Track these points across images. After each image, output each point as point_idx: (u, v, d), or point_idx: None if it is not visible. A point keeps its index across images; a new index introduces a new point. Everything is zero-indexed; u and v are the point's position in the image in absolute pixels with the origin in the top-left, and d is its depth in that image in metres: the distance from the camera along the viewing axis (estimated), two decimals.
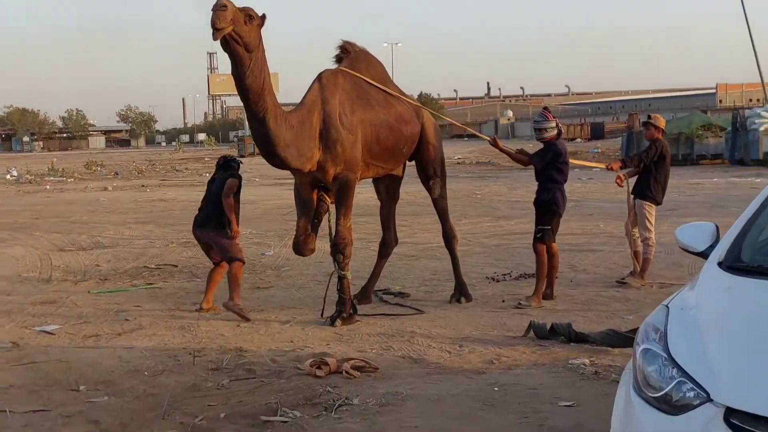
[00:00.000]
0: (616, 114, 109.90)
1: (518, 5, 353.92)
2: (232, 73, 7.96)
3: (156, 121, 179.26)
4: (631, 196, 10.75)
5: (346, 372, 6.76)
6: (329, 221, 9.13)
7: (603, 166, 11.37)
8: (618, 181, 10.62)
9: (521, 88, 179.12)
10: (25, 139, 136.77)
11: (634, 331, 7.79)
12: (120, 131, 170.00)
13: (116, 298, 10.36)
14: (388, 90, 9.56)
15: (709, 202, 20.28)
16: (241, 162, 10.11)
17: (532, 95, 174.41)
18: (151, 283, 11.39)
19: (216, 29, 7.38)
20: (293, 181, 9.28)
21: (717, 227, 4.56)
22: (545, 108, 10.05)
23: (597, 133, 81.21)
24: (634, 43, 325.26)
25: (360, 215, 16.98)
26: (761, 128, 35.92)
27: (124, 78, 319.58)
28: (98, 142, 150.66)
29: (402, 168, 10.19)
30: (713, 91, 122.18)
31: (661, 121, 10.83)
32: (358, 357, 7.26)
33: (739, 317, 3.69)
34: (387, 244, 10.37)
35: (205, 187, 10.14)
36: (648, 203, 10.57)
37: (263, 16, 7.91)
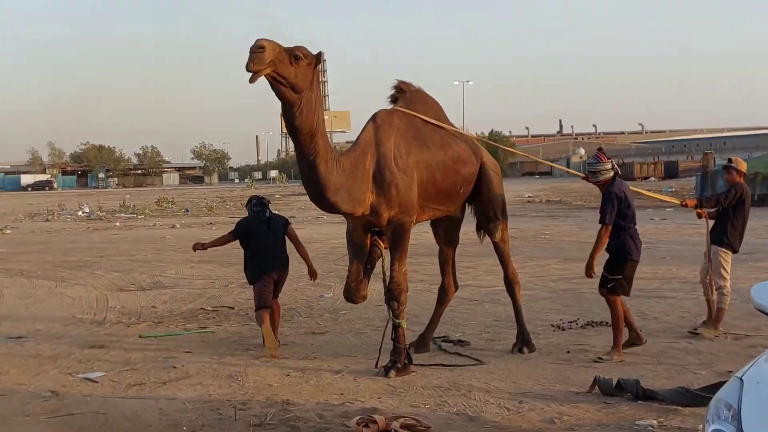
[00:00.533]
0: (690, 153, 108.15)
1: (592, 42, 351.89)
2: (282, 114, 7.71)
3: (229, 158, 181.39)
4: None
5: (395, 431, 6.35)
6: (383, 266, 8.76)
7: (678, 201, 10.79)
8: (700, 211, 10.09)
9: (594, 125, 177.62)
10: (101, 175, 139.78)
11: (706, 389, 7.30)
12: (194, 168, 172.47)
13: (167, 343, 10.12)
14: (444, 126, 9.21)
15: None
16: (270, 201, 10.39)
17: (605, 133, 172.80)
18: (204, 327, 11.14)
19: (250, 72, 7.14)
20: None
21: None
22: (599, 149, 9.53)
23: (671, 171, 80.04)
24: (709, 78, 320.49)
25: (421, 255, 16.64)
26: None
27: (199, 115, 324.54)
28: (172, 178, 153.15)
29: (461, 210, 9.80)
30: None
31: (742, 165, 10.28)
32: (409, 413, 6.85)
33: None
34: (446, 291, 9.96)
35: (244, 229, 10.14)
36: (724, 250, 10.00)
37: (318, 55, 7.64)
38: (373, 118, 8.70)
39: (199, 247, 10.31)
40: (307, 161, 7.83)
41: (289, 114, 7.61)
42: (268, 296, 9.81)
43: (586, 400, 7.31)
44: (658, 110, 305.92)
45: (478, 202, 9.64)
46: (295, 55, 7.44)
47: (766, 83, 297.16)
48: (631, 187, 9.51)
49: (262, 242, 10.03)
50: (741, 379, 3.44)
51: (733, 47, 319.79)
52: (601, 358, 8.82)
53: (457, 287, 10.17)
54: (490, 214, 9.64)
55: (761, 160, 39.92)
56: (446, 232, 9.92)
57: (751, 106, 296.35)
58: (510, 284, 9.80)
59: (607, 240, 9.03)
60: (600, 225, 9.02)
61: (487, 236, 9.86)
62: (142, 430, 6.67)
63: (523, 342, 9.37)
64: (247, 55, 7.14)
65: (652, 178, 76.47)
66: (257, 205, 10.30)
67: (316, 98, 7.74)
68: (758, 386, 3.33)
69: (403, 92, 9.24)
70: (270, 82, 7.39)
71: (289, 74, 7.40)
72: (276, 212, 10.72)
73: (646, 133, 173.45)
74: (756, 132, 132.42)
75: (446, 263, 9.96)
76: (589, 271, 9.10)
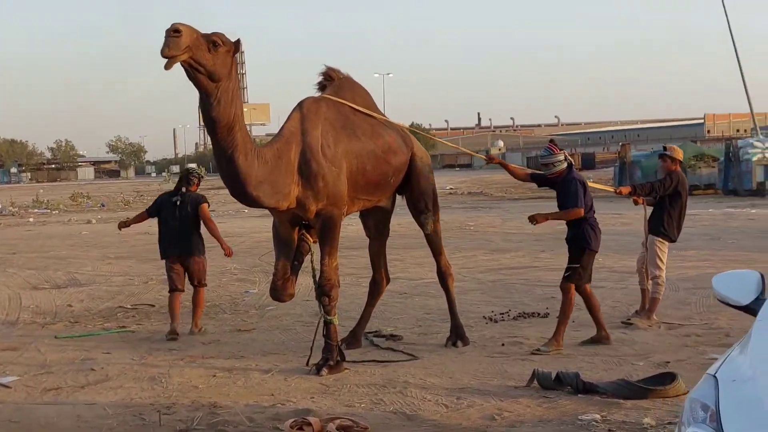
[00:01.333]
0: (606, 144, 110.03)
1: (508, 36, 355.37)
2: (199, 105, 7.30)
3: (146, 151, 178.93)
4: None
5: None
6: (312, 261, 8.42)
7: (612, 189, 10.60)
8: (637, 198, 9.94)
9: (511, 118, 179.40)
10: (13, 170, 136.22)
11: (646, 380, 7.15)
12: (109, 162, 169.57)
13: (84, 344, 9.61)
14: (375, 115, 8.91)
15: (708, 234, 19.66)
16: (203, 176, 10.07)
17: (522, 126, 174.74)
18: (123, 326, 10.65)
19: (166, 57, 6.74)
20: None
21: (762, 277, 3.86)
22: (551, 141, 9.35)
23: (588, 163, 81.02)
24: (622, 73, 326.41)
25: (349, 248, 16.32)
26: (754, 158, 35.47)
27: (114, 109, 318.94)
28: (87, 173, 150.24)
29: (392, 201, 9.50)
30: (701, 121, 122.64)
31: (678, 153, 10.07)
32: (345, 414, 6.54)
33: None
34: (377, 284, 9.63)
35: (157, 206, 10.17)
36: (660, 239, 9.89)
37: (237, 43, 7.25)
38: (299, 106, 8.33)
39: (123, 225, 10.39)
40: (225, 155, 7.44)
41: (206, 104, 7.22)
42: (175, 279, 9.91)
43: (526, 395, 7.10)
44: (573, 103, 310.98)
45: (409, 193, 9.34)
46: (213, 41, 7.05)
47: (677, 76, 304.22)
48: None
49: (169, 221, 9.93)
50: (715, 376, 3.21)
51: (644, 42, 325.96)
52: (539, 350, 8.62)
53: (388, 280, 9.89)
54: (422, 206, 9.33)
55: None
56: (376, 224, 9.60)
57: (663, 99, 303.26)
58: (443, 276, 9.54)
59: (572, 216, 8.82)
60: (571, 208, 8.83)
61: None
62: None
63: (458, 335, 9.12)
64: (162, 39, 6.74)
65: None
66: (180, 180, 10.07)
67: (234, 88, 7.36)
68: (735, 384, 3.10)
69: (331, 79, 8.89)
70: (186, 70, 6.98)
71: (207, 61, 7.01)
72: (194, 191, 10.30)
73: (561, 125, 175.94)
74: (668, 124, 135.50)
75: (377, 256, 9.65)
76: (535, 217, 8.95)
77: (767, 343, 3.31)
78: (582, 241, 8.87)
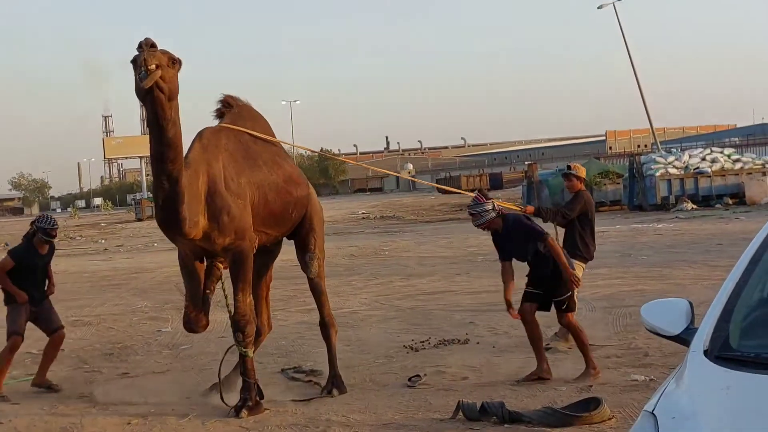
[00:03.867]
0: (512, 164, 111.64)
1: (412, 59, 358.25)
2: (150, 126, 7.03)
3: (50, 187, 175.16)
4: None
5: None
6: (224, 290, 8.17)
7: (518, 209, 10.46)
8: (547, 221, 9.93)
9: (419, 141, 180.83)
10: None
11: (571, 407, 7.11)
12: (12, 199, 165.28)
13: None
14: (274, 141, 8.72)
15: (618, 251, 19.94)
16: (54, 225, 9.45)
17: (430, 148, 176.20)
18: (32, 374, 10.16)
19: (148, 71, 6.53)
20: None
21: (691, 305, 3.81)
22: (479, 190, 9.11)
23: (496, 183, 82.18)
24: (525, 93, 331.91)
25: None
26: (657, 173, 36.34)
27: (15, 144, 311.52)
28: None
29: (278, 243, 9.06)
30: (603, 138, 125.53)
31: (581, 171, 10.15)
32: None
33: (755, 429, 2.93)
34: (259, 332, 8.75)
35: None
36: (577, 262, 9.85)
37: (180, 62, 7.05)
38: (199, 136, 8.06)
39: None
40: (171, 177, 7.16)
41: (161, 125, 6.95)
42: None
43: (452, 427, 7.01)
44: (478, 124, 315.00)
45: (299, 229, 8.86)
46: (172, 58, 6.84)
47: (578, 94, 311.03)
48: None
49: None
50: (653, 414, 3.13)
51: (542, 58, 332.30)
52: (589, 386, 8.05)
53: (271, 328, 9.43)
54: (311, 245, 8.85)
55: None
56: (259, 268, 8.80)
57: (566, 117, 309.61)
58: (326, 327, 8.92)
59: (561, 252, 8.57)
60: (543, 238, 8.49)
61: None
62: None
63: (334, 384, 8.53)
64: (137, 52, 6.55)
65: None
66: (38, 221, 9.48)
67: (177, 107, 7.13)
68: (675, 422, 3.02)
69: (230, 107, 8.65)
70: (152, 88, 6.69)
71: (170, 78, 6.81)
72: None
73: (468, 146, 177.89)
74: (571, 142, 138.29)
75: (259, 301, 8.98)
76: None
77: (704, 376, 3.25)
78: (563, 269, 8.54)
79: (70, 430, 7.61)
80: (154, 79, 6.60)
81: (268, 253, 8.96)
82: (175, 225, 7.46)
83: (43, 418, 8.04)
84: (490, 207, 8.58)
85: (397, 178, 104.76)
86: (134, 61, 6.71)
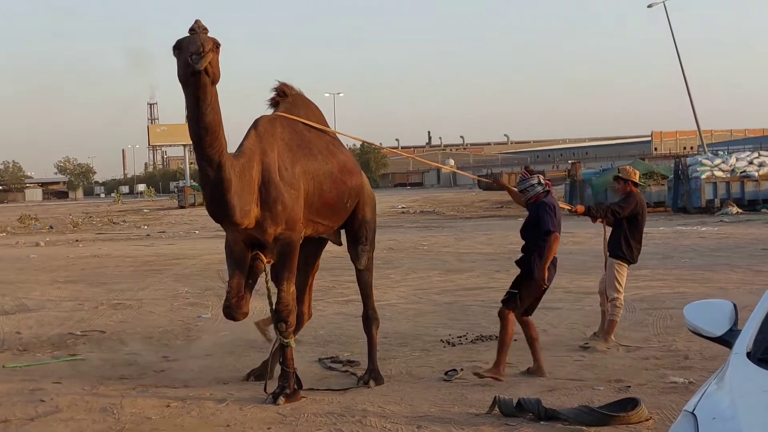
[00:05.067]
0: (555, 162, 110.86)
1: (457, 55, 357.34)
2: (190, 110, 7.03)
3: (95, 172, 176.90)
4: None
5: None
6: (267, 282, 8.23)
7: (569, 207, 10.41)
8: (598, 220, 9.90)
9: (461, 137, 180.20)
10: None
11: (608, 406, 7.08)
12: (58, 183, 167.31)
13: (33, 373, 9.32)
14: (327, 131, 8.73)
15: (661, 253, 19.75)
16: None
17: (472, 144, 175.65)
18: (74, 354, 10.36)
19: (205, 52, 6.58)
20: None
21: (735, 306, 3.79)
22: (525, 168, 9.26)
23: None
24: (570, 90, 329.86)
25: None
26: (703, 176, 35.93)
27: (63, 129, 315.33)
28: (35, 194, 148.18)
29: (337, 233, 9.08)
30: (648, 139, 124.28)
31: (633, 174, 10.00)
32: None
33: None
34: (299, 319, 8.85)
35: None
36: (619, 262, 9.84)
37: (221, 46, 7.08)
38: (255, 125, 8.11)
39: None
40: (213, 163, 7.21)
41: (202, 109, 6.97)
42: None
43: (487, 422, 7.00)
44: (522, 122, 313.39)
45: (351, 220, 8.91)
46: (216, 42, 6.83)
47: (624, 95, 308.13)
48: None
49: None
50: (693, 414, 3.12)
51: (591, 60, 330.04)
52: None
53: (310, 316, 9.51)
54: (362, 236, 8.91)
55: None
56: (308, 256, 9.00)
57: (611, 117, 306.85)
58: (369, 320, 8.95)
59: (554, 247, 8.61)
60: (548, 235, 8.55)
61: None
62: None
63: (371, 377, 8.54)
64: (188, 35, 6.62)
65: None
66: None
67: (217, 92, 7.15)
68: (716, 422, 3.01)
69: (284, 95, 8.69)
70: (199, 71, 6.72)
71: (216, 64, 6.85)
72: None
73: (511, 143, 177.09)
74: (616, 142, 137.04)
75: (303, 289, 9.11)
76: (541, 284, 8.60)
77: (746, 378, 3.23)
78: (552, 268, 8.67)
79: (110, 410, 7.71)
80: (208, 60, 6.64)
81: (318, 243, 9.04)
82: (224, 214, 7.52)
83: (84, 398, 8.16)
84: (535, 181, 8.80)
85: (438, 173, 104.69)
86: (180, 45, 6.76)
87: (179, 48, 6.80)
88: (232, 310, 8.08)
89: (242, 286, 8.10)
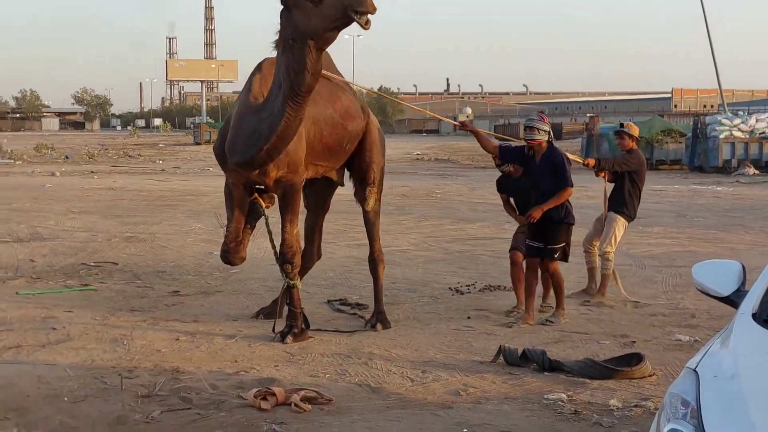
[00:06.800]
0: (573, 115, 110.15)
1: (479, 3, 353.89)
2: (294, 71, 7.22)
3: (111, 104, 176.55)
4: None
5: (295, 405, 5.97)
6: (267, 226, 8.26)
7: (581, 161, 10.38)
8: (600, 175, 9.92)
9: (480, 85, 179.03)
10: None
11: (613, 360, 7.15)
12: (74, 113, 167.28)
13: (46, 301, 9.44)
14: (333, 77, 8.69)
15: (674, 211, 19.74)
16: None
17: (490, 93, 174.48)
18: (86, 284, 10.47)
19: (372, 12, 6.81)
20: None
21: (743, 267, 3.80)
22: (542, 112, 9.29)
23: (554, 133, 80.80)
24: (591, 43, 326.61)
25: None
26: (721, 135, 35.62)
27: (80, 60, 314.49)
28: (52, 123, 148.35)
29: (340, 174, 9.05)
30: (669, 95, 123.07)
31: (634, 130, 9.99)
32: (309, 384, 6.47)
33: None
34: (308, 259, 9.07)
35: None
36: (621, 218, 9.85)
37: None
38: (259, 68, 8.12)
39: None
40: (299, 112, 7.35)
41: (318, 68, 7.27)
42: None
43: (491, 371, 7.07)
44: (541, 73, 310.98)
45: (358, 162, 8.91)
46: None
47: (646, 50, 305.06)
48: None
49: None
50: (695, 371, 3.16)
51: (614, 15, 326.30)
52: (549, 321, 8.72)
53: (320, 256, 9.58)
54: (369, 178, 8.89)
55: (645, 125, 40.62)
56: (317, 197, 9.17)
57: (632, 72, 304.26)
58: (374, 261, 9.00)
59: (566, 197, 8.74)
60: (565, 188, 8.70)
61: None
62: (19, 401, 6.10)
63: (378, 319, 8.62)
64: None
65: None
66: None
67: None
68: (717, 381, 3.05)
69: None
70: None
71: None
72: None
73: (530, 94, 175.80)
74: (637, 97, 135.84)
75: (312, 230, 9.26)
76: (532, 215, 8.66)
77: (750, 338, 3.27)
78: (568, 219, 8.83)
79: (120, 340, 7.82)
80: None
81: (329, 184, 9.06)
82: (261, 161, 7.59)
83: (95, 328, 8.27)
84: (547, 128, 8.82)
85: (455, 120, 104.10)
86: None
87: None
88: (230, 254, 8.15)
89: (240, 231, 8.15)
